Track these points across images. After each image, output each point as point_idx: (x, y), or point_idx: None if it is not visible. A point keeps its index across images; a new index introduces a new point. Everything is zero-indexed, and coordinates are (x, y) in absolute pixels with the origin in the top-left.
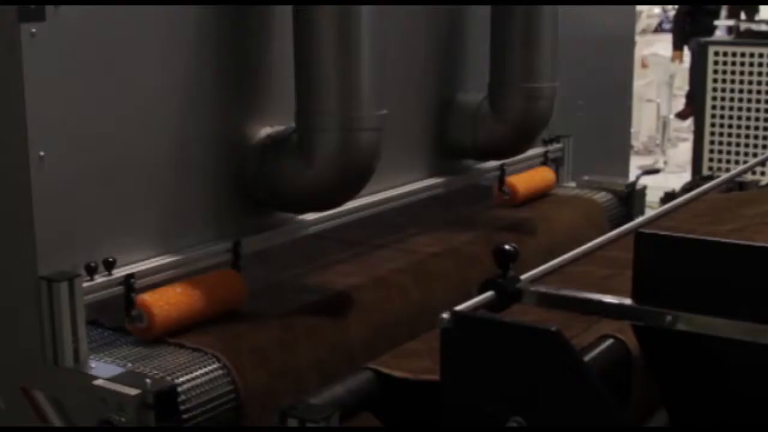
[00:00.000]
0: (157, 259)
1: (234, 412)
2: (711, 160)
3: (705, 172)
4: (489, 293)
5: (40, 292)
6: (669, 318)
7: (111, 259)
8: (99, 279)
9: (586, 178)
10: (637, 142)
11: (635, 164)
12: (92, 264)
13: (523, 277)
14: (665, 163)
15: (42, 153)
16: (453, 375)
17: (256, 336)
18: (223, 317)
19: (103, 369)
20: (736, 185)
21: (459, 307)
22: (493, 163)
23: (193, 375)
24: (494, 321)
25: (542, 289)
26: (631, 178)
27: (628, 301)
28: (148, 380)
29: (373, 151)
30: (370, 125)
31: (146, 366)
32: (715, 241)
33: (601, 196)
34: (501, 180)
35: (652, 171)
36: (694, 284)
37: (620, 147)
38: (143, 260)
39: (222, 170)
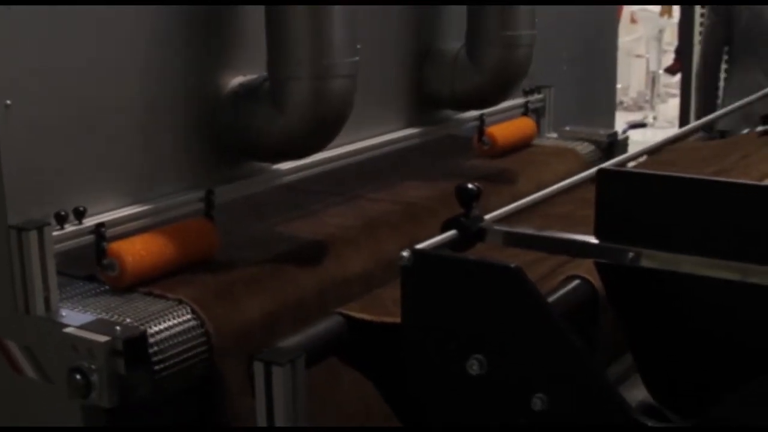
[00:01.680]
0: (128, 208)
1: (206, 360)
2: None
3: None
4: (451, 232)
5: (10, 241)
6: (631, 254)
7: (81, 208)
8: (69, 228)
9: (567, 128)
10: (626, 98)
11: (625, 119)
12: (62, 213)
13: (487, 216)
14: (654, 118)
15: (8, 102)
16: (414, 313)
17: (228, 284)
18: (197, 266)
19: (73, 317)
20: (718, 134)
21: (420, 246)
22: (472, 114)
23: (164, 323)
24: (454, 258)
25: (505, 228)
26: (619, 131)
27: (591, 239)
28: (117, 327)
29: (346, 98)
30: (342, 72)
31: (117, 314)
32: (676, 176)
33: (582, 147)
34: (480, 130)
35: (639, 125)
36: (656, 221)
37: (606, 99)
38: (114, 209)
39: (194, 119)
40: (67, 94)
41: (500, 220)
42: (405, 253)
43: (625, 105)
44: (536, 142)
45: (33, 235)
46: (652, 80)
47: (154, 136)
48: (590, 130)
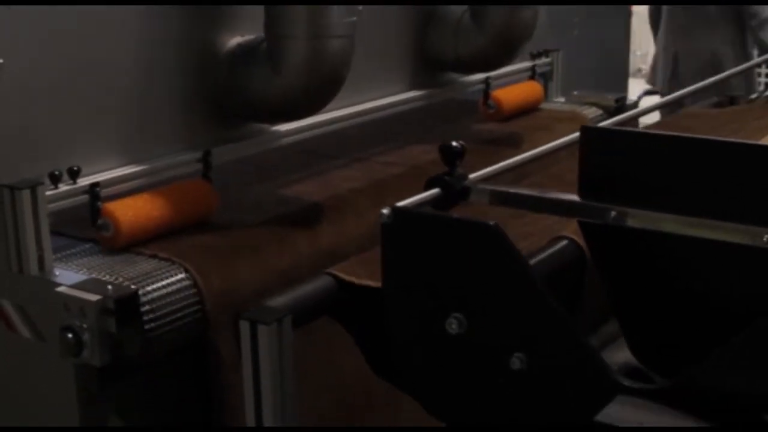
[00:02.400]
0: (123, 168)
1: (199, 320)
2: None
3: None
4: (434, 190)
5: (3, 201)
6: (614, 213)
7: (75, 168)
8: (63, 188)
9: (575, 93)
10: (645, 66)
11: (644, 87)
12: (56, 173)
13: (472, 175)
14: None
15: (1, 60)
16: (394, 271)
17: (224, 245)
18: (194, 227)
19: (66, 277)
20: (728, 100)
21: (401, 203)
22: (478, 77)
23: (157, 283)
24: (432, 215)
25: (489, 186)
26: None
27: (575, 198)
28: (109, 287)
29: (343, 58)
30: (339, 32)
31: (110, 274)
32: (659, 134)
33: (590, 111)
34: (486, 93)
35: (653, 92)
36: (640, 180)
37: (619, 65)
38: (110, 169)
39: (191, 79)
40: (61, 52)
41: (486, 179)
42: (385, 211)
43: (644, 73)
44: (543, 106)
45: (26, 195)
46: None
47: (151, 96)
48: (598, 94)
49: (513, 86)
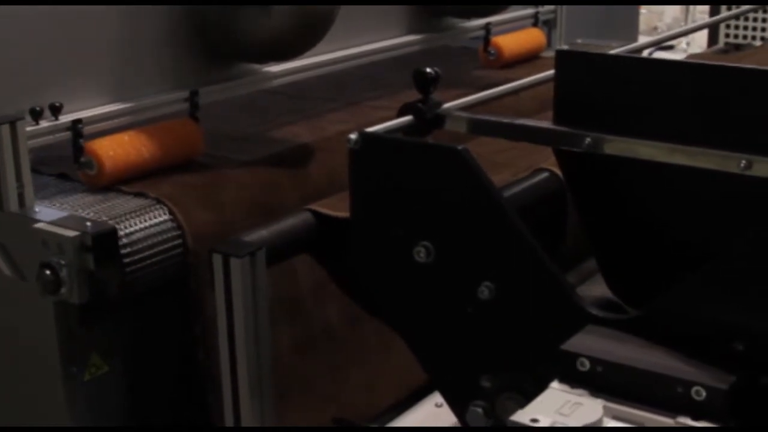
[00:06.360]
0: (107, 106)
1: (181, 259)
2: (728, 36)
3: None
4: (407, 118)
5: None
6: (588, 140)
7: (57, 104)
8: (45, 124)
9: (579, 41)
10: (661, 23)
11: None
12: (37, 108)
13: (447, 104)
14: (688, 44)
15: None
16: (361, 198)
17: (208, 185)
18: (179, 167)
19: (47, 214)
20: (732, 47)
21: (370, 129)
22: (478, 23)
23: (138, 221)
24: (399, 140)
25: (463, 114)
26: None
27: (551, 125)
28: (88, 223)
29: None
30: None
31: (92, 211)
32: (637, 57)
33: None
34: (486, 40)
35: (665, 47)
36: (617, 105)
37: (628, 18)
38: (93, 107)
39: (178, 17)
40: None
41: (462, 108)
42: (353, 136)
43: (660, 30)
44: (545, 54)
45: (5, 130)
46: (687, 7)
47: (137, 33)
48: (602, 43)
49: (514, 33)
